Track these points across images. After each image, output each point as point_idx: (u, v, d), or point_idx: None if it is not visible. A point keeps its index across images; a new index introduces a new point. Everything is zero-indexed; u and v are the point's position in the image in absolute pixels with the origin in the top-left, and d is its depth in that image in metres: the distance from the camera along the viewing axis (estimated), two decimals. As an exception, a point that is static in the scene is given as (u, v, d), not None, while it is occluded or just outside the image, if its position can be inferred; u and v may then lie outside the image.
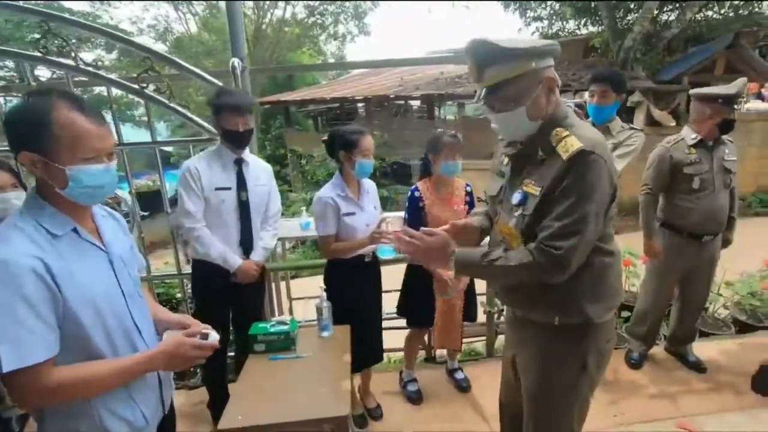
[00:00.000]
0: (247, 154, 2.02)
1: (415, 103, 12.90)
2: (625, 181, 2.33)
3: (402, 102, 12.32)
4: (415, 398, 2.43)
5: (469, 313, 2.42)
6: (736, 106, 2.27)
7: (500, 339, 2.89)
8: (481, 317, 2.77)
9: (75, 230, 1.01)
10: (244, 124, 1.89)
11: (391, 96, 10.50)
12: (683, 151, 2.34)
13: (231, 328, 2.24)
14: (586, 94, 2.27)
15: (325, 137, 2.05)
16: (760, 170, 8.73)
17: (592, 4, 9.42)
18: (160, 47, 15.41)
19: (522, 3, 9.72)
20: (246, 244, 2.01)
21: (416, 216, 2.16)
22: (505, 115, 1.17)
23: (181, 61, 2.13)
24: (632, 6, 9.52)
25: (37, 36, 1.99)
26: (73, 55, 2.05)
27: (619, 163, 2.06)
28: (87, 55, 2.10)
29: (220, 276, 1.96)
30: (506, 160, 1.32)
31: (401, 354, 2.67)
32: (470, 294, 2.40)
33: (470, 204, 2.27)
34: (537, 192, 1.15)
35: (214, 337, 1.17)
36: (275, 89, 15.47)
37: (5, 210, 1.52)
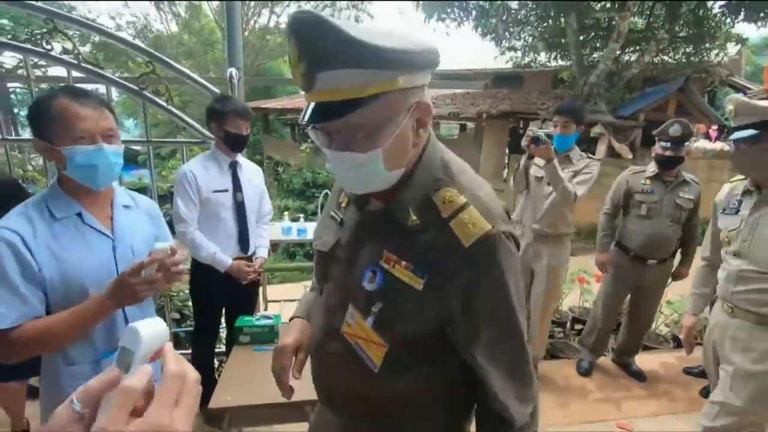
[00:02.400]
0: (240, 157, 2.15)
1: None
2: (584, 206, 2.62)
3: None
4: None
5: None
6: (682, 146, 2.47)
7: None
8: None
9: (79, 215, 1.10)
10: (246, 128, 2.03)
11: (370, 111, 10.78)
12: (639, 180, 2.61)
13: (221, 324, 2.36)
14: (551, 124, 2.54)
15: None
16: (701, 204, 9.50)
17: (563, 40, 10.10)
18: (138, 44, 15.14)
19: (497, 33, 10.29)
20: (244, 242, 2.13)
21: None
22: (349, 157, 0.71)
23: (182, 67, 2.25)
24: (598, 45, 10.29)
25: (39, 32, 2.07)
26: (75, 52, 2.13)
27: (580, 189, 2.33)
28: (58, 45, 2.11)
29: (216, 274, 2.05)
30: (345, 200, 0.91)
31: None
32: None
33: None
34: (418, 284, 0.74)
35: (159, 246, 1.08)
36: (253, 96, 15.48)
37: None
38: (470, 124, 12.89)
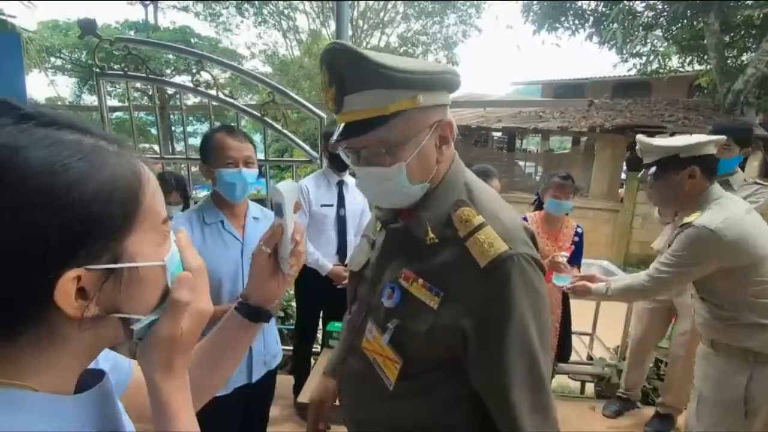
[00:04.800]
0: (347, 177, 2.39)
1: (496, 134, 12.92)
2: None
3: (483, 132, 12.43)
4: None
5: (563, 353, 2.48)
6: None
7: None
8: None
9: (222, 222, 1.46)
10: None
11: (473, 126, 10.69)
12: None
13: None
14: None
15: None
16: None
17: (701, 42, 8.89)
18: (267, 69, 17.19)
19: (617, 39, 9.42)
20: (342, 252, 2.36)
21: None
22: (375, 171, 0.77)
23: (296, 96, 2.57)
24: (748, 45, 8.83)
25: (193, 63, 2.57)
26: (215, 87, 2.57)
27: None
28: (205, 74, 2.68)
29: (318, 279, 2.30)
30: (379, 224, 0.93)
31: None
32: (565, 333, 2.46)
33: (578, 245, 2.35)
34: (433, 302, 0.75)
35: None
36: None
37: None
38: (584, 138, 11.99)
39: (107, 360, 0.57)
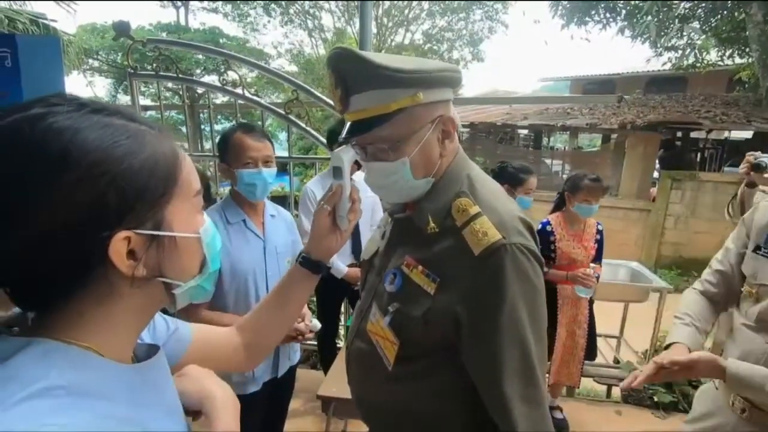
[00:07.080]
0: (357, 174, 2.31)
1: (523, 131, 12.67)
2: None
3: (508, 129, 12.21)
4: (562, 427, 2.42)
5: (590, 351, 2.43)
6: None
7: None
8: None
9: (244, 221, 1.46)
10: None
11: (498, 124, 10.52)
12: None
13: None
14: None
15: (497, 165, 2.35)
16: None
17: (743, 33, 8.44)
18: (293, 68, 17.40)
19: (651, 32, 9.05)
20: (357, 250, 2.37)
21: (545, 250, 2.25)
22: (380, 166, 0.81)
23: (320, 94, 2.60)
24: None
25: (221, 62, 2.63)
26: (241, 85, 2.63)
27: None
28: (232, 73, 2.74)
29: (334, 278, 2.30)
30: (389, 217, 0.98)
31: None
32: (591, 331, 2.42)
33: (599, 243, 2.32)
34: (431, 288, 0.78)
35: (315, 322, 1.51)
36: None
37: None
38: (614, 136, 11.61)
39: (174, 322, 0.70)
